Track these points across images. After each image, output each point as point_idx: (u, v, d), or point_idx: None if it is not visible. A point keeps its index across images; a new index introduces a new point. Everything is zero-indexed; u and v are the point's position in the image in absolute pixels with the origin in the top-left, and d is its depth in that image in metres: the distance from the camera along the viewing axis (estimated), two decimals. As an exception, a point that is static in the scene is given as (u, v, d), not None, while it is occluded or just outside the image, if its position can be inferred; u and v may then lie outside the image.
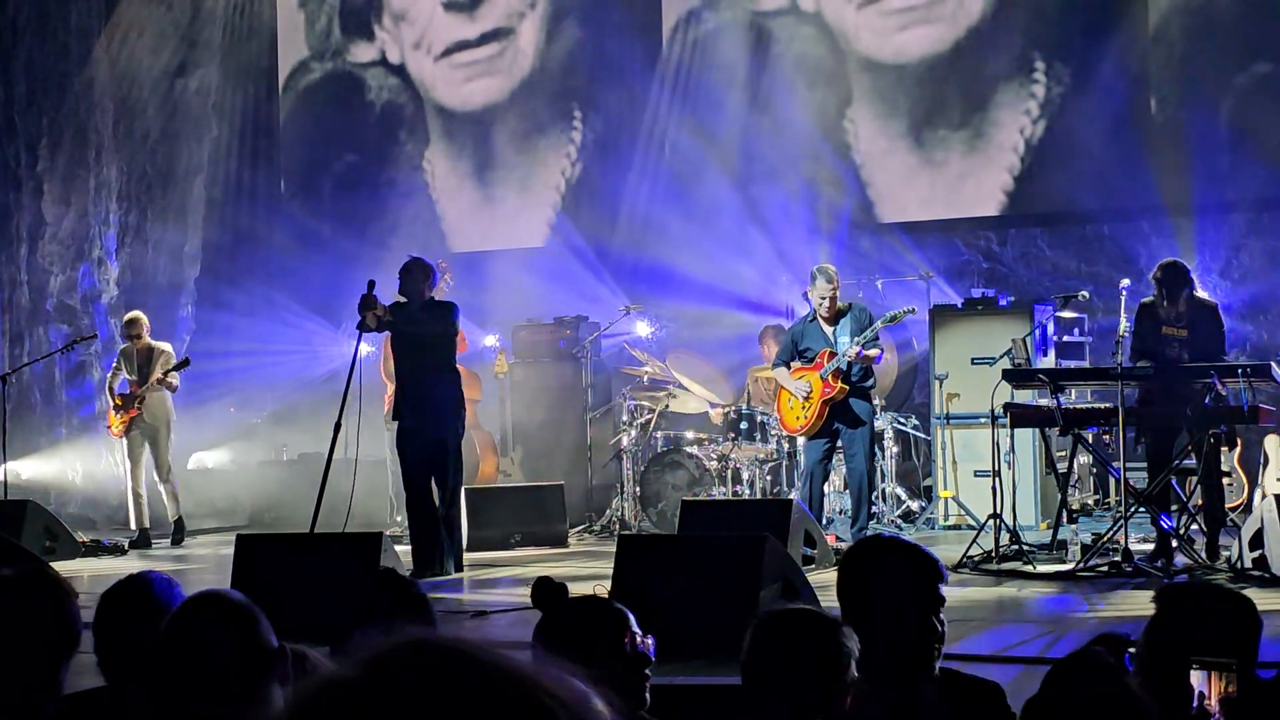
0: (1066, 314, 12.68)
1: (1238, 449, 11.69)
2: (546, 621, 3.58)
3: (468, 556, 10.91)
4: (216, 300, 17.02)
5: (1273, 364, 9.65)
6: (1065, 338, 12.71)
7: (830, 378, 10.81)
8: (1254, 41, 13.58)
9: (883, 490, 12.41)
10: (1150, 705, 2.82)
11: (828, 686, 3.25)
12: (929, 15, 14.61)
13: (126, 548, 12.75)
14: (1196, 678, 2.97)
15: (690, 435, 12.94)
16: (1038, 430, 10.86)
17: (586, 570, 10.19)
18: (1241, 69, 13.58)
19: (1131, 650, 3.16)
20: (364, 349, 13.50)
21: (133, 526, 13.27)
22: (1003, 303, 12.60)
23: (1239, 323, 13.20)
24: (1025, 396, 10.63)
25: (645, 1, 15.82)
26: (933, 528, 12.42)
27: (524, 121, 16.37)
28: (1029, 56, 14.26)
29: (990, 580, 9.38)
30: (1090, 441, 10.38)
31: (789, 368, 11.10)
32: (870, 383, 11.09)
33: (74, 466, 16.02)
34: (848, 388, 10.83)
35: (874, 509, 11.54)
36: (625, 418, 13.22)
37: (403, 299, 10.56)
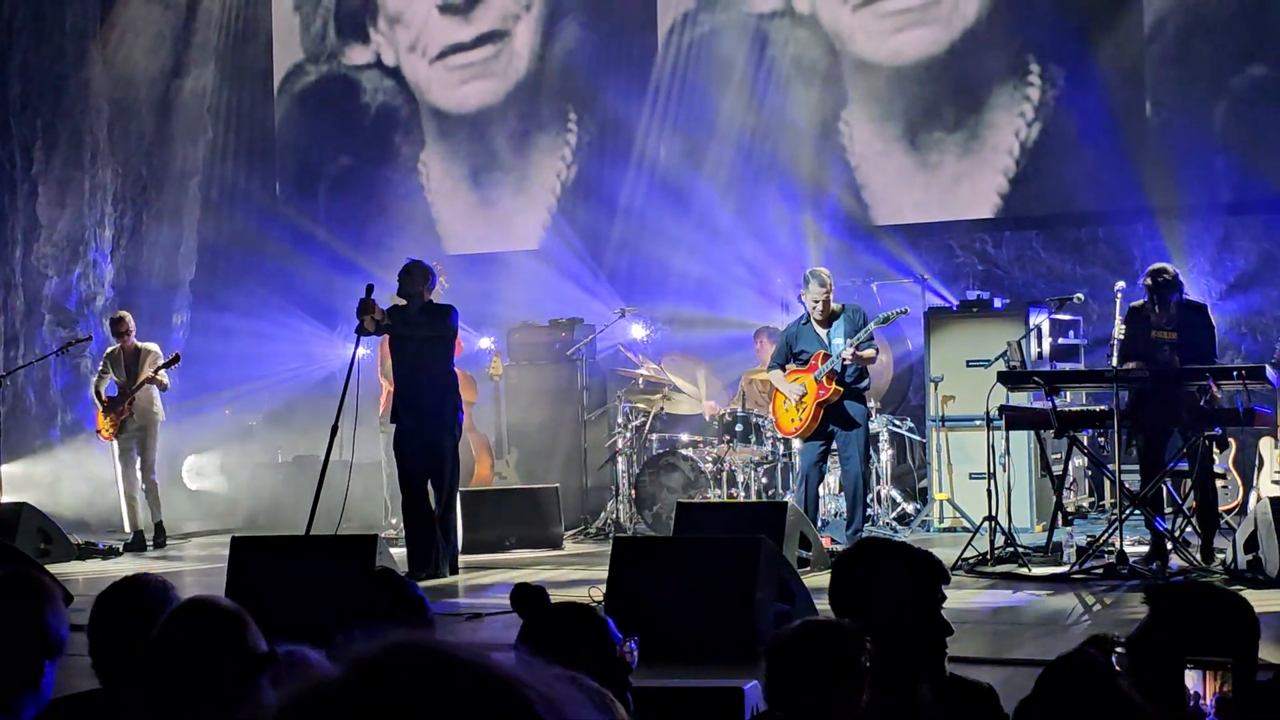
0: (1061, 316, 12.69)
1: (1232, 451, 11.70)
2: (527, 627, 3.58)
3: (463, 559, 10.91)
4: (212, 302, 17.01)
5: (1267, 366, 9.66)
6: (1060, 340, 12.71)
7: (825, 379, 10.81)
8: (1248, 44, 13.59)
9: (878, 493, 12.41)
10: (1142, 705, 2.82)
11: (849, 697, 3.25)
12: (924, 17, 14.61)
13: (121, 550, 12.74)
14: (1191, 678, 2.97)
15: (685, 437, 12.94)
16: (1033, 433, 10.87)
17: (581, 573, 10.20)
18: (1236, 71, 13.59)
19: (1120, 651, 3.16)
20: (363, 350, 13.53)
21: (126, 529, 13.26)
22: (998, 305, 12.60)
23: (1233, 325, 13.21)
24: (1020, 399, 10.63)
25: (640, 3, 15.82)
26: (928, 530, 12.42)
27: (519, 124, 16.36)
28: (1024, 59, 14.27)
29: (985, 582, 9.39)
30: (1085, 444, 10.39)
31: (784, 370, 11.10)
32: (865, 384, 11.10)
33: (68, 469, 16.00)
34: (842, 389, 10.83)
35: (869, 511, 11.54)
36: (620, 420, 13.22)
37: (401, 301, 10.56)
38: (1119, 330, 10.04)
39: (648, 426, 13.05)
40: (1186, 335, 9.72)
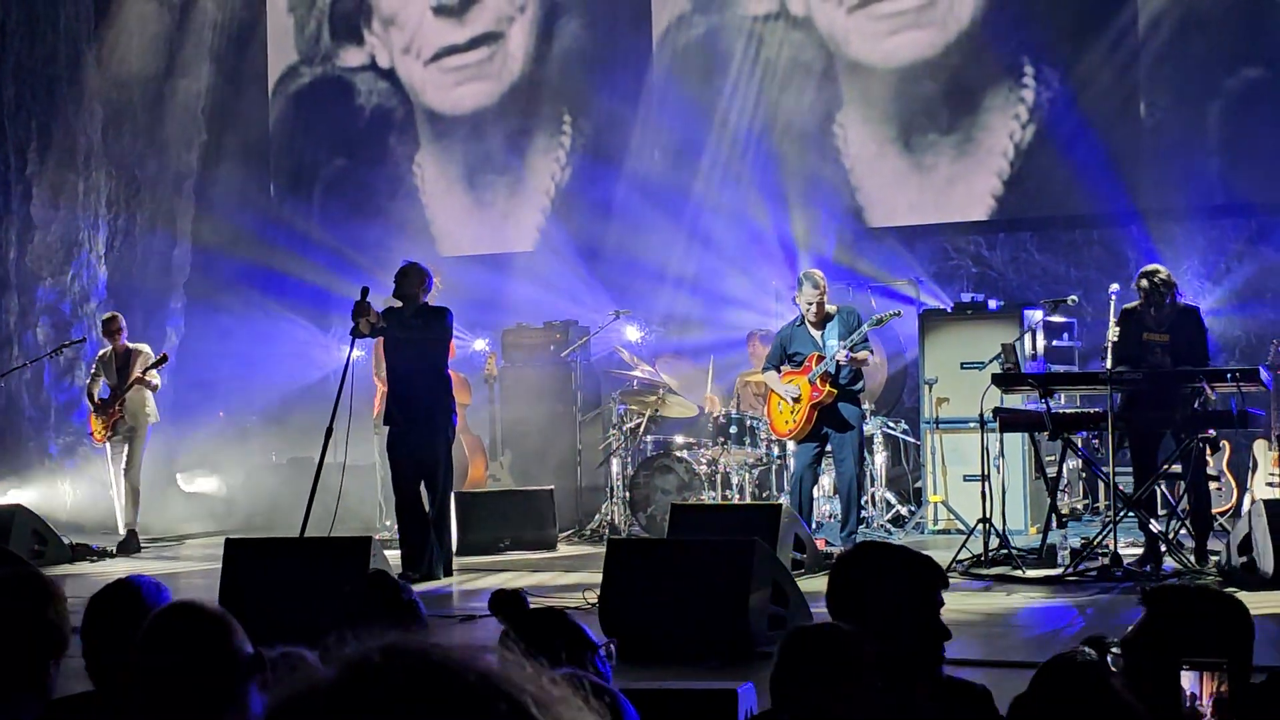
0: (1056, 318, 12.70)
1: (1226, 453, 11.71)
2: (506, 632, 3.58)
3: (457, 561, 10.91)
4: (206, 305, 16.99)
5: (1261, 368, 9.67)
6: (1054, 342, 12.72)
7: (819, 381, 10.81)
8: (1243, 46, 13.60)
9: (872, 495, 12.42)
10: (1135, 705, 2.82)
11: (851, 700, 3.25)
12: (919, 20, 14.62)
13: (113, 552, 12.71)
14: (1188, 678, 2.97)
15: (680, 439, 12.94)
16: (1027, 435, 10.88)
17: (576, 575, 10.19)
18: (1230, 73, 13.60)
19: (1115, 652, 3.17)
20: (357, 352, 13.50)
21: (121, 531, 13.23)
22: (992, 307, 12.61)
23: (1227, 327, 13.22)
24: (1015, 401, 10.63)
25: (635, 5, 15.83)
26: (922, 532, 12.43)
27: (513, 126, 16.36)
28: (1018, 61, 14.28)
29: (979, 585, 9.40)
30: (1079, 446, 10.39)
31: (778, 371, 11.10)
32: (859, 386, 11.09)
33: (63, 471, 15.98)
34: (836, 391, 10.83)
35: (863, 513, 11.55)
36: (614, 422, 13.22)
37: (397, 303, 10.55)
38: (1112, 332, 10.05)
39: (642, 428, 13.05)
40: (1179, 337, 9.73)
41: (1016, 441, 11.66)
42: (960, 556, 9.93)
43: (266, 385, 16.18)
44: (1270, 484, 11.14)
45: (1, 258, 16.16)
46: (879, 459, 12.60)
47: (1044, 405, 9.73)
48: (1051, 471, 10.71)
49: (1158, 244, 13.34)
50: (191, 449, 16.10)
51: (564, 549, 12.34)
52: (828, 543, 10.94)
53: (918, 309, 13.03)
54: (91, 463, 15.69)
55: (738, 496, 12.27)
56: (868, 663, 3.25)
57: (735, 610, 7.08)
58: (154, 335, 15.57)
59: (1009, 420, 10.10)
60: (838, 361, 10.76)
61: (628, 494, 12.60)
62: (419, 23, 16.81)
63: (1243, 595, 7.17)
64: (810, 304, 10.91)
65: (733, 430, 12.43)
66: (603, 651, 3.56)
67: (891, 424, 12.99)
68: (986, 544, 9.95)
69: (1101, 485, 12.05)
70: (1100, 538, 9.65)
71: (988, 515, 10.03)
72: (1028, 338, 11.88)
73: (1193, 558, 9.49)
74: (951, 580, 9.23)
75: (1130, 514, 9.79)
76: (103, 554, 12.59)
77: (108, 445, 13.17)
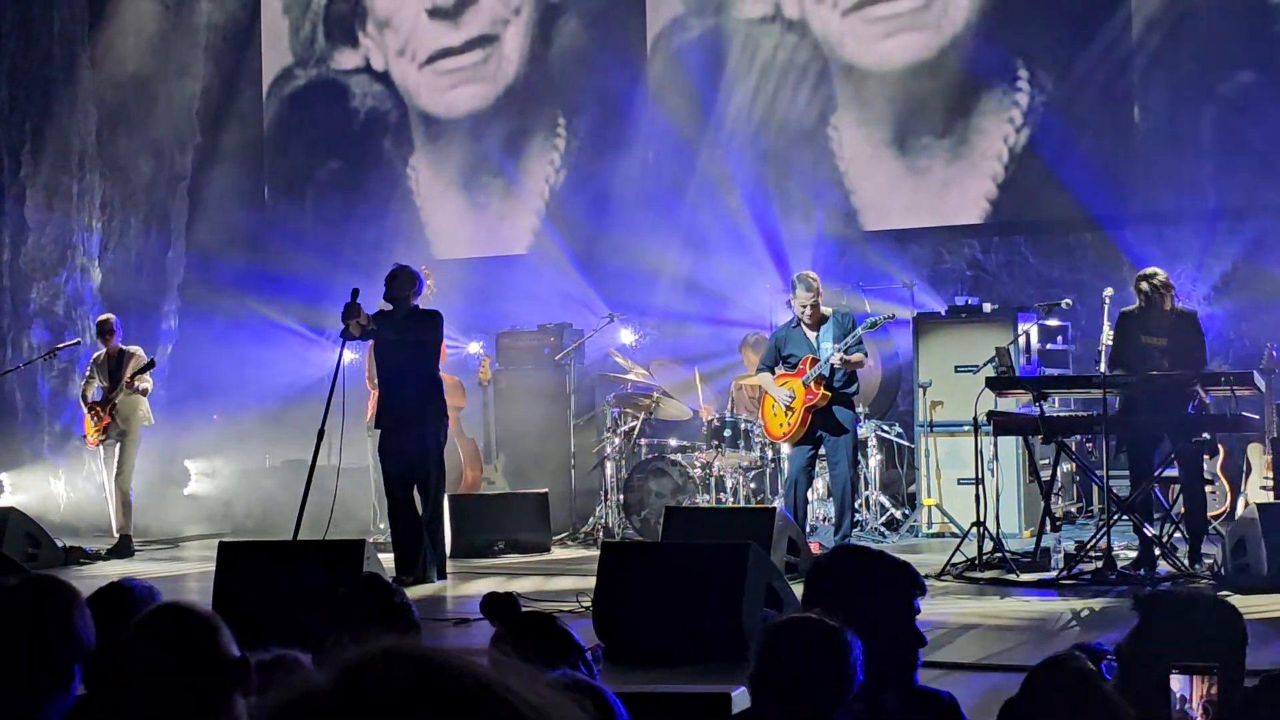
0: (1050, 322, 12.71)
1: (1220, 457, 11.73)
2: (499, 635, 3.58)
3: (451, 564, 10.90)
4: (200, 307, 16.98)
5: (1255, 372, 9.69)
6: (1048, 345, 12.73)
7: (813, 384, 10.81)
8: (1235, 50, 13.62)
9: (866, 498, 12.43)
10: (1126, 709, 2.83)
11: (835, 698, 3.23)
12: (913, 23, 14.63)
13: (104, 554, 12.69)
14: (1177, 681, 2.97)
15: (674, 442, 12.94)
16: (1021, 438, 10.88)
17: (570, 578, 10.19)
18: (1225, 77, 13.62)
19: (1109, 659, 3.17)
20: (348, 356, 13.49)
21: (114, 535, 13.21)
22: (986, 311, 12.62)
23: (1221, 331, 13.23)
24: (1009, 404, 10.64)
25: (630, 8, 15.83)
26: (916, 535, 12.44)
27: (508, 128, 16.36)
28: (1013, 64, 14.29)
29: (973, 588, 9.40)
30: (1073, 449, 10.40)
31: (772, 373, 11.11)
32: (853, 389, 11.10)
33: (56, 474, 15.97)
34: (830, 394, 10.83)
35: (857, 517, 11.55)
36: (609, 425, 13.22)
37: (387, 306, 10.55)
38: (1107, 336, 10.05)
39: (636, 431, 13.05)
40: (1177, 341, 9.73)
41: (1010, 445, 11.66)
42: (954, 560, 9.94)
43: (261, 387, 16.16)
44: (1264, 487, 11.16)
45: (-5, 260, 16.16)
46: (873, 462, 12.61)
47: (1038, 409, 9.74)
48: (1045, 475, 10.71)
49: (1151, 247, 13.35)
50: (185, 451, 16.08)
51: (558, 552, 12.33)
52: (821, 546, 10.92)
53: (912, 313, 13.03)
54: (85, 465, 15.70)
55: (732, 500, 12.27)
56: (848, 656, 3.22)
57: (729, 614, 7.07)
58: (148, 337, 15.55)
59: (1003, 423, 10.11)
60: (832, 365, 10.77)
61: (622, 497, 12.60)
62: (414, 25, 16.81)
63: (1236, 599, 7.18)
64: (805, 307, 10.91)
65: (727, 433, 12.44)
66: (589, 655, 3.56)
67: (885, 427, 13.00)
68: (980, 547, 9.96)
69: (1095, 488, 12.07)
70: (1094, 541, 9.65)
71: (982, 519, 10.03)
72: (1021, 341, 11.89)
73: (1186, 561, 9.50)
74: (945, 583, 9.31)
75: (1124, 517, 9.80)
76: (95, 557, 12.57)
77: (101, 448, 13.16)
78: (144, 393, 13.04)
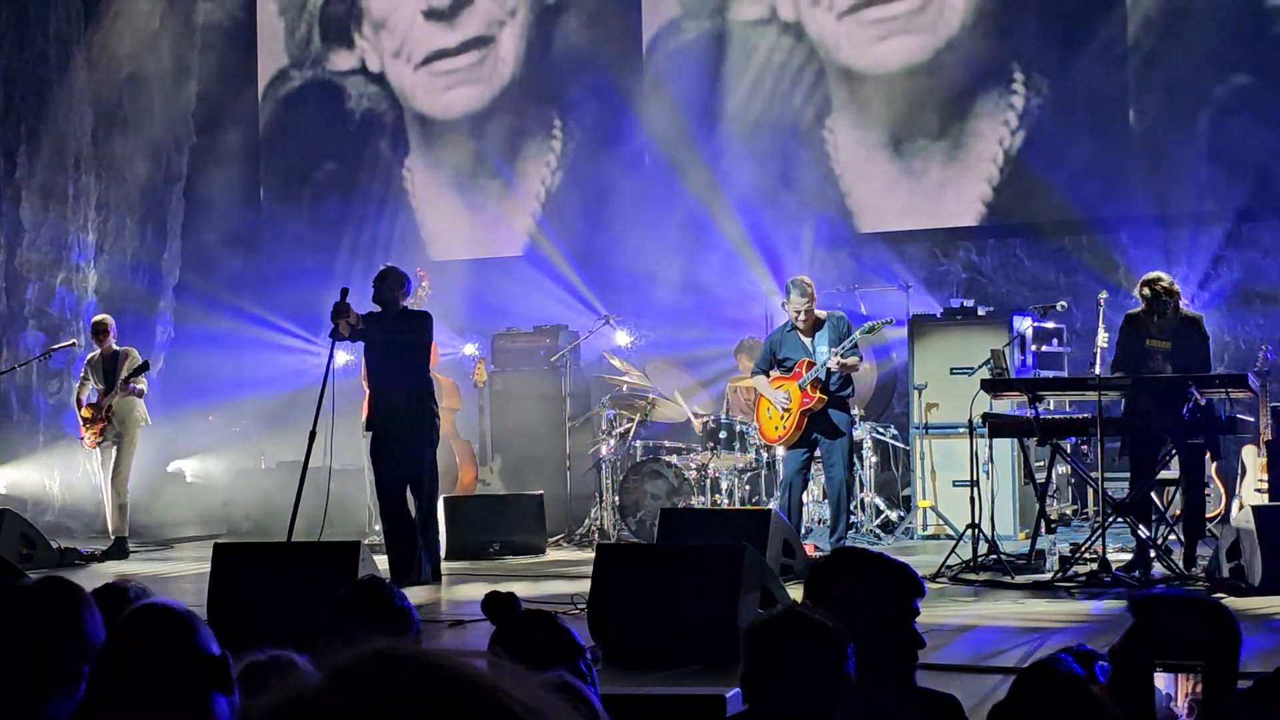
0: (1045, 324, 12.72)
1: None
2: (499, 634, 3.58)
3: (446, 565, 10.89)
4: (195, 308, 16.97)
5: (1249, 374, 9.69)
6: (1044, 348, 12.74)
7: (809, 388, 10.81)
8: (1231, 53, 13.63)
9: (861, 500, 12.43)
10: (1115, 712, 2.83)
11: (832, 699, 3.20)
12: (909, 26, 14.64)
13: (99, 556, 12.68)
14: (1163, 681, 2.97)
15: (669, 444, 12.94)
16: (1016, 440, 10.89)
17: (565, 581, 10.18)
18: (1220, 80, 13.63)
19: (1103, 662, 3.17)
20: (345, 357, 13.48)
21: (111, 535, 13.19)
22: (981, 313, 12.63)
23: (1216, 334, 13.23)
24: (1004, 406, 10.65)
25: (626, 10, 15.83)
26: (911, 537, 12.44)
27: (504, 130, 16.36)
28: (1008, 67, 14.31)
29: (968, 590, 9.41)
30: (1068, 452, 10.40)
31: (768, 376, 11.11)
32: (849, 392, 11.10)
33: (51, 475, 15.96)
34: (826, 397, 10.84)
35: (852, 519, 11.55)
36: (604, 426, 13.22)
37: (377, 307, 10.54)
38: (1101, 339, 10.05)
39: (632, 433, 13.05)
40: (1181, 345, 9.73)
41: (1006, 447, 11.67)
42: (950, 562, 9.94)
43: (257, 389, 16.16)
44: (1259, 490, 11.16)
45: (-9, 261, 16.15)
46: (868, 464, 12.61)
47: (1033, 411, 9.74)
48: (1040, 477, 10.72)
49: (1146, 250, 13.37)
50: (180, 453, 16.07)
51: (553, 554, 12.33)
52: (817, 548, 10.93)
53: (907, 315, 13.03)
54: (79, 466, 15.68)
55: (727, 502, 12.27)
56: (843, 654, 3.20)
57: (724, 615, 7.07)
58: (143, 339, 15.54)
59: (998, 426, 10.11)
60: (828, 369, 10.77)
61: (617, 499, 12.60)
62: (409, 26, 16.81)
63: (1230, 601, 7.19)
64: (799, 312, 10.90)
65: (722, 435, 12.44)
66: (589, 655, 3.55)
67: (881, 429, 13.00)
68: (975, 549, 9.96)
69: (1090, 491, 12.07)
70: (1089, 543, 9.66)
71: (977, 521, 10.03)
72: (1017, 343, 11.90)
73: (1181, 563, 9.50)
74: (940, 586, 9.31)
75: (1119, 519, 9.81)
76: (91, 558, 12.56)
77: (98, 450, 13.14)
78: (139, 394, 13.03)
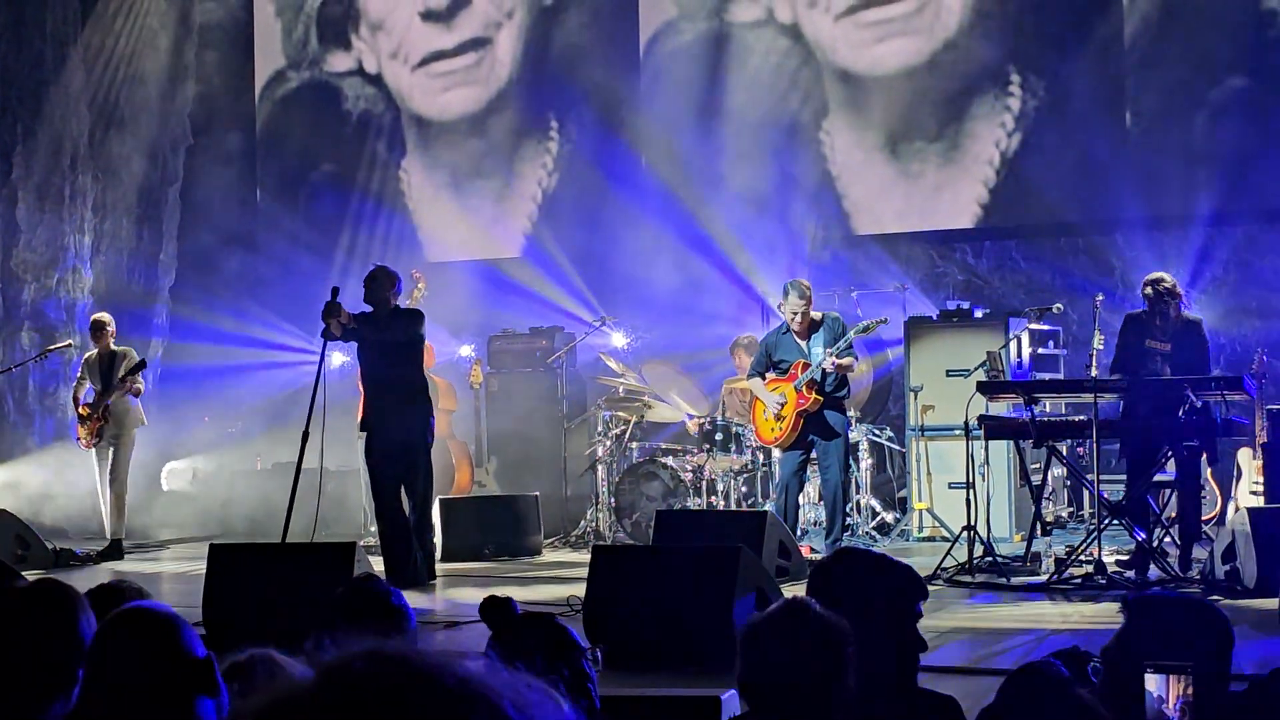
0: (1041, 326, 12.72)
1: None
2: (496, 638, 3.57)
3: (441, 567, 10.89)
4: (192, 309, 16.96)
5: (1245, 376, 9.70)
6: (1040, 350, 12.75)
7: (805, 389, 10.82)
8: (1227, 56, 13.64)
9: (857, 502, 12.42)
10: (1103, 713, 2.83)
11: (833, 697, 3.15)
12: (906, 28, 14.65)
13: (95, 557, 12.66)
14: (1153, 682, 2.98)
15: (665, 446, 12.94)
16: (1012, 442, 10.89)
17: (560, 583, 10.18)
18: (1216, 82, 13.64)
19: (1096, 663, 3.17)
20: (341, 358, 13.49)
21: (108, 537, 13.18)
22: (977, 315, 12.63)
23: (1211, 336, 13.23)
24: (1000, 408, 10.65)
25: (623, 12, 15.83)
26: (907, 539, 12.44)
27: (501, 131, 16.36)
28: (1005, 69, 14.31)
29: (964, 592, 9.41)
30: (1064, 454, 10.40)
31: (763, 378, 11.11)
32: (845, 393, 11.10)
33: (47, 475, 15.93)
34: (822, 399, 10.84)
35: (848, 521, 11.55)
36: (600, 428, 13.21)
37: (369, 307, 10.54)
38: (1098, 340, 10.06)
39: (627, 435, 13.05)
40: (1181, 348, 9.74)
41: (1001, 449, 11.67)
42: (945, 564, 9.94)
43: (253, 390, 16.16)
44: (1254, 492, 11.16)
45: (-13, 262, 16.14)
46: (864, 466, 12.61)
47: (1029, 413, 9.75)
48: (1036, 479, 10.73)
49: (1142, 252, 13.37)
50: (176, 453, 16.06)
51: (549, 555, 12.33)
52: (813, 550, 10.94)
53: (904, 317, 13.04)
54: (76, 466, 15.65)
55: (723, 503, 12.27)
56: (845, 648, 3.13)
57: (720, 617, 7.07)
58: (139, 339, 15.53)
59: (994, 428, 10.11)
60: (824, 370, 10.77)
61: (613, 500, 12.60)
62: (407, 28, 16.81)
63: (1225, 603, 7.19)
64: (795, 313, 10.89)
65: (718, 437, 12.44)
66: (590, 655, 3.55)
67: (877, 431, 13.00)
68: (971, 551, 9.96)
69: (1086, 493, 12.07)
70: (1084, 545, 9.66)
71: (972, 523, 10.03)
72: (1013, 345, 11.90)
73: (1176, 565, 9.51)
74: (936, 588, 9.31)
75: (1115, 521, 9.81)
76: (86, 559, 12.55)
77: (94, 451, 13.13)
78: (137, 393, 13.02)
